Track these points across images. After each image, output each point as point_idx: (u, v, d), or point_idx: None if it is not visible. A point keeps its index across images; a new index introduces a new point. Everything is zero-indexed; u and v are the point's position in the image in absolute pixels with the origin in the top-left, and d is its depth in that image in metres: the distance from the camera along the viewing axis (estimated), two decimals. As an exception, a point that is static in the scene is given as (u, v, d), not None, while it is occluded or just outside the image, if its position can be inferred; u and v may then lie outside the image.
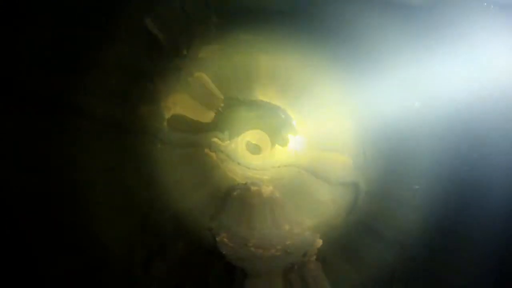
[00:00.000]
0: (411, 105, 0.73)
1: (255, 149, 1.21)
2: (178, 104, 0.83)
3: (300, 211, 0.83)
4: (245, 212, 0.86)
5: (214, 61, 0.84)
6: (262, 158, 1.14)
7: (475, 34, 0.63)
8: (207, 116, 1.02)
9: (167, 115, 0.79)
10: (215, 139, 1.12)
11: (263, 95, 1.13)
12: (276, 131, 1.19)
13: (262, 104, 1.17)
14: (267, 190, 1.01)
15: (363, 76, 0.77)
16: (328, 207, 0.79)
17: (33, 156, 0.56)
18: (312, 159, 0.98)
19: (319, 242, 0.72)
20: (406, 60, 0.71)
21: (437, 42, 0.66)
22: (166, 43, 0.66)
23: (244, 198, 0.96)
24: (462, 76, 0.67)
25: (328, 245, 0.70)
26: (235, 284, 0.65)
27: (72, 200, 0.57)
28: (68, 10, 0.56)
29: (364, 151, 0.80)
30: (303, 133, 1.14)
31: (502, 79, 0.65)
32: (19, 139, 0.55)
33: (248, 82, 1.01)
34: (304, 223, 0.78)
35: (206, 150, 1.06)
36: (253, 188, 1.03)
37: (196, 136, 0.99)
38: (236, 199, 0.95)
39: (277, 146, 1.21)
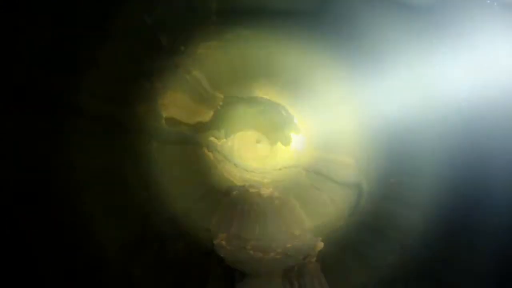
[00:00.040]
0: (414, 104, 0.79)
1: (254, 150, 1.25)
2: (176, 102, 0.90)
3: (301, 213, 0.89)
4: (243, 215, 0.92)
5: (213, 58, 0.90)
6: (261, 160, 1.19)
7: (478, 33, 0.69)
8: (205, 114, 1.07)
9: (165, 114, 0.85)
10: (212, 138, 1.17)
11: (263, 92, 1.18)
12: (277, 129, 1.23)
13: (262, 101, 1.22)
14: (266, 192, 1.06)
15: (366, 75, 0.83)
16: (331, 209, 0.86)
17: (31, 156, 0.62)
18: (314, 160, 1.04)
19: (320, 245, 0.78)
20: (409, 59, 0.77)
21: (441, 42, 0.72)
22: (165, 41, 0.72)
23: (242, 200, 1.02)
24: (465, 75, 0.73)
25: (330, 246, 0.76)
26: (234, 285, 0.71)
27: (70, 200, 0.63)
28: (67, 10, 0.61)
29: (367, 151, 0.86)
30: (305, 132, 1.19)
31: (505, 78, 0.71)
32: (17, 139, 0.61)
33: (247, 80, 1.07)
34: (305, 225, 0.84)
35: (204, 150, 1.11)
36: (252, 190, 1.09)
37: (194, 135, 1.04)
38: (234, 201, 1.00)
39: (278, 146, 1.26)
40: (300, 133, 1.19)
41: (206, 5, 0.69)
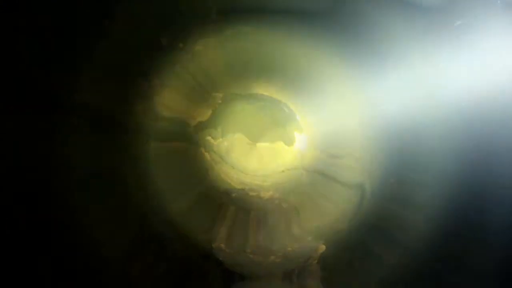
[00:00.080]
0: (419, 104, 0.86)
1: (253, 150, 1.31)
2: (173, 100, 0.97)
3: (303, 215, 0.96)
4: (242, 218, 1.00)
5: (212, 55, 0.97)
6: (262, 161, 1.25)
7: (485, 33, 0.77)
8: (203, 112, 1.14)
9: (162, 112, 0.93)
10: (209, 137, 1.24)
11: (264, 90, 1.24)
12: (279, 127, 1.30)
13: (262, 98, 1.29)
14: (266, 194, 1.14)
15: (370, 74, 0.90)
16: (333, 210, 0.93)
17: (29, 156, 0.70)
18: (316, 160, 1.11)
19: (322, 247, 0.86)
20: (415, 59, 0.84)
21: (448, 42, 0.80)
22: (164, 40, 0.79)
23: (241, 202, 1.09)
24: (472, 75, 0.80)
25: (332, 248, 0.84)
26: (234, 286, 0.79)
27: (69, 200, 0.70)
28: (66, 9, 0.69)
29: (371, 151, 0.94)
30: (308, 131, 1.26)
31: (511, 77, 0.79)
32: (15, 139, 0.68)
33: (248, 77, 1.14)
34: (306, 228, 0.92)
35: (201, 149, 1.18)
36: (251, 193, 1.16)
37: (191, 134, 1.12)
38: (232, 203, 1.08)
39: (280, 146, 1.32)
40: (303, 132, 1.25)
41: (207, 3, 0.77)
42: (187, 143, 1.10)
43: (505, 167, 0.74)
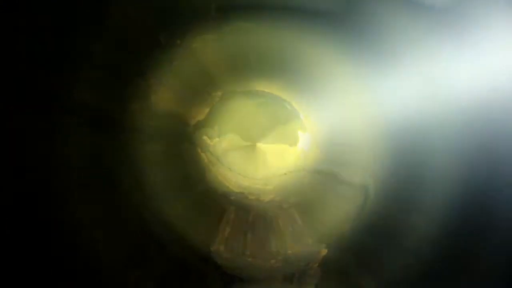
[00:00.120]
0: (425, 104, 0.95)
1: (253, 151, 1.36)
2: (171, 99, 1.05)
3: (304, 217, 1.05)
4: (241, 220, 1.08)
5: (210, 52, 1.05)
6: (262, 164, 1.29)
7: (491, 33, 0.85)
8: (201, 111, 1.22)
9: (158, 111, 1.01)
10: (205, 137, 1.31)
11: (265, 87, 1.31)
12: (281, 125, 1.36)
13: (263, 94, 1.35)
14: (266, 198, 1.21)
15: (376, 73, 0.99)
16: (336, 212, 1.01)
17: (25, 156, 0.78)
18: (320, 161, 1.19)
19: (324, 251, 0.94)
20: (422, 59, 0.92)
21: (456, 42, 0.88)
22: (162, 38, 0.88)
23: (240, 206, 1.17)
24: (478, 75, 0.88)
25: (334, 251, 0.92)
26: (233, 288, 0.88)
27: (65, 200, 0.79)
28: (65, 9, 0.77)
29: (376, 151, 1.02)
30: (311, 130, 1.32)
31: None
32: (13, 138, 0.76)
33: (248, 74, 1.21)
34: (308, 231, 1.00)
35: (198, 150, 1.26)
36: (250, 196, 1.24)
37: (188, 133, 1.19)
38: (231, 206, 1.16)
39: (281, 148, 1.38)
40: (307, 131, 1.29)
41: (207, 1, 0.85)
42: (185, 143, 1.17)
43: (510, 167, 0.82)
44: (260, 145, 1.27)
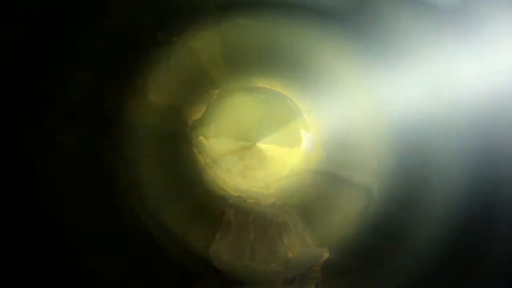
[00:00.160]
0: (432, 105, 1.04)
1: (252, 152, 1.38)
2: (167, 97, 1.15)
3: (306, 220, 1.14)
4: (241, 223, 1.17)
5: (209, 48, 1.15)
6: (262, 165, 1.33)
7: (499, 33, 0.95)
8: (198, 109, 1.31)
9: (155, 110, 1.11)
10: (201, 137, 1.39)
11: (266, 83, 1.35)
12: (282, 125, 1.43)
13: (264, 91, 1.36)
14: (267, 201, 1.30)
15: (381, 71, 1.08)
16: (339, 215, 1.11)
17: (24, 157, 0.88)
18: (323, 161, 1.27)
19: (326, 254, 1.04)
20: (428, 58, 1.02)
21: (461, 41, 0.97)
22: (160, 36, 0.98)
23: (239, 209, 1.26)
24: (485, 75, 0.98)
25: (336, 254, 1.02)
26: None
27: (65, 201, 0.89)
28: (58, 7, 0.87)
29: (381, 152, 1.11)
30: (314, 130, 1.40)
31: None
32: (15, 138, 0.87)
33: (248, 70, 1.30)
34: (309, 234, 1.10)
35: (194, 150, 1.35)
36: (249, 200, 1.33)
37: (184, 133, 1.28)
38: (230, 209, 1.25)
39: (283, 148, 1.44)
40: (310, 131, 1.35)
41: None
42: (181, 143, 1.26)
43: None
44: (260, 146, 1.33)
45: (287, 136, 1.35)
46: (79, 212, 0.90)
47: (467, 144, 0.98)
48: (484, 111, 0.97)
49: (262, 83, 1.32)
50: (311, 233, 1.11)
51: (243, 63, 1.26)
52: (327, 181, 1.19)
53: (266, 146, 1.35)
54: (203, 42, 1.12)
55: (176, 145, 1.23)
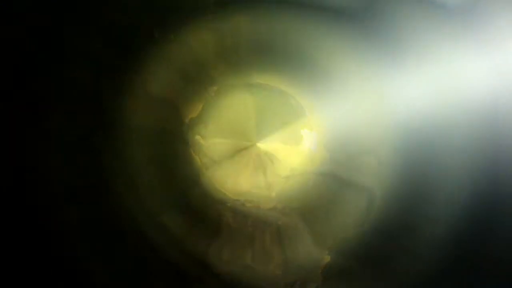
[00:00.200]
0: (439, 105, 1.15)
1: (251, 153, 1.45)
2: (163, 95, 1.26)
3: (307, 223, 1.25)
4: (240, 227, 1.28)
5: (207, 44, 1.26)
6: (262, 167, 1.40)
7: (508, 34, 1.05)
8: (195, 108, 1.41)
9: (152, 109, 1.22)
10: (198, 137, 1.48)
11: (267, 80, 1.42)
12: (284, 124, 1.43)
13: (264, 87, 1.42)
14: (267, 205, 1.39)
15: (388, 71, 1.17)
16: (341, 217, 1.21)
17: (24, 157, 1.00)
18: (326, 162, 1.35)
19: (327, 258, 1.15)
20: (436, 58, 1.11)
21: (470, 41, 1.06)
22: (157, 34, 1.09)
23: (238, 212, 1.36)
24: (494, 77, 1.07)
25: (337, 258, 1.13)
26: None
27: (66, 201, 1.01)
28: (56, 6, 0.99)
29: (385, 152, 1.22)
30: (317, 129, 1.48)
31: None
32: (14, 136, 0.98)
33: (247, 66, 1.37)
34: (311, 237, 1.21)
35: (191, 151, 1.44)
36: (249, 204, 1.38)
37: (181, 132, 1.37)
38: (228, 212, 1.35)
39: (284, 148, 1.46)
40: (313, 130, 1.41)
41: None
42: (177, 143, 1.35)
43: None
44: (260, 146, 1.40)
45: (289, 136, 1.41)
46: (78, 213, 1.02)
47: (472, 145, 1.09)
48: (491, 111, 1.07)
49: (263, 79, 1.39)
50: (312, 236, 1.22)
51: (243, 59, 1.35)
52: (330, 182, 1.29)
53: (267, 146, 1.41)
54: (202, 39, 1.23)
55: (173, 145, 1.32)
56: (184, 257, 1.14)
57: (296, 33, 1.26)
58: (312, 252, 1.19)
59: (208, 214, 1.28)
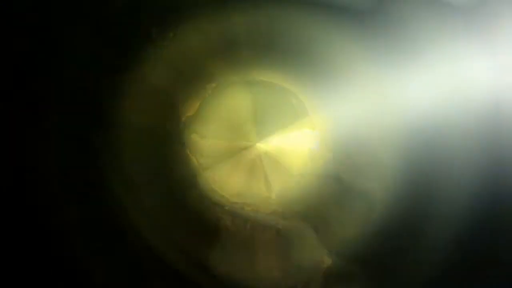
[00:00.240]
0: (445, 106, 1.25)
1: (251, 154, 1.53)
2: (160, 93, 1.37)
3: (310, 226, 1.37)
4: (239, 230, 1.39)
5: (206, 41, 1.37)
6: (262, 170, 1.48)
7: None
8: (191, 106, 1.51)
9: (149, 108, 1.34)
10: (195, 136, 1.48)
11: (267, 76, 1.51)
12: (285, 123, 1.51)
13: (264, 84, 1.52)
14: (267, 208, 1.45)
15: (393, 70, 1.26)
16: (344, 220, 1.32)
17: (24, 157, 1.12)
18: (329, 164, 1.41)
19: (328, 261, 1.27)
20: (443, 58, 1.20)
21: (479, 42, 1.15)
22: (155, 33, 1.22)
23: (237, 215, 1.46)
24: (504, 77, 1.16)
25: (339, 261, 1.25)
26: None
27: (54, 199, 1.13)
28: (54, 5, 1.11)
29: (390, 154, 1.34)
30: (321, 129, 1.53)
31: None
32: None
33: (247, 62, 1.46)
34: (312, 240, 1.33)
35: (187, 151, 1.54)
36: (248, 207, 1.47)
37: (179, 132, 1.44)
38: (227, 215, 1.46)
39: (285, 148, 1.55)
40: (315, 130, 1.49)
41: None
42: (173, 143, 1.45)
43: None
44: (260, 146, 1.47)
45: (290, 136, 1.49)
46: (78, 213, 1.15)
47: (475, 146, 1.19)
48: (495, 112, 1.18)
49: (263, 76, 1.48)
50: (313, 238, 1.33)
51: (242, 55, 1.45)
52: (332, 184, 1.39)
53: (267, 146, 1.47)
54: (201, 35, 1.34)
55: (169, 145, 1.43)
56: (183, 258, 1.26)
57: (299, 30, 1.37)
58: (313, 254, 1.30)
59: (205, 217, 1.39)
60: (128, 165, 1.29)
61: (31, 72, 1.12)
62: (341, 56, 1.39)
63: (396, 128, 1.31)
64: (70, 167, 1.18)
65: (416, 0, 1.22)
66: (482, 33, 1.17)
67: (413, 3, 1.22)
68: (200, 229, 1.36)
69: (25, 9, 1.09)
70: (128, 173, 1.28)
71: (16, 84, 1.11)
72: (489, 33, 1.17)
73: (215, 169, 1.46)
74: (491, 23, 1.16)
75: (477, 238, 1.16)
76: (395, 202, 1.28)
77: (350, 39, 1.33)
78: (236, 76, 1.48)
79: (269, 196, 1.45)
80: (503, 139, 1.18)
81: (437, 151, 1.24)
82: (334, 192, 1.40)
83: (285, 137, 1.51)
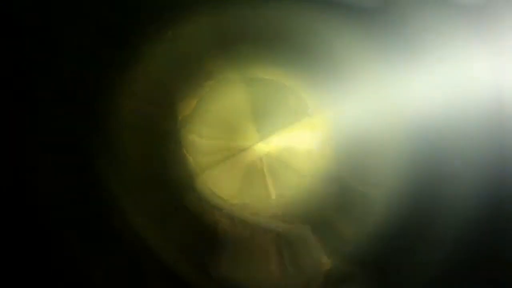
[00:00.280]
0: (451, 106, 1.36)
1: (250, 154, 1.59)
2: (158, 92, 1.49)
3: (311, 230, 1.47)
4: (239, 233, 1.50)
5: (204, 37, 1.48)
6: (262, 171, 1.56)
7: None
8: (188, 104, 1.56)
9: (146, 107, 1.46)
10: (192, 135, 1.56)
11: (268, 73, 1.60)
12: (285, 123, 1.60)
13: (265, 82, 1.61)
14: (267, 212, 1.54)
15: (399, 70, 1.37)
16: (347, 223, 1.43)
17: (24, 157, 1.25)
18: (331, 165, 1.53)
19: (329, 265, 1.39)
20: (450, 58, 1.31)
21: (485, 42, 1.26)
22: (151, 27, 1.34)
23: (236, 219, 1.52)
24: (507, 79, 1.27)
25: (341, 264, 1.36)
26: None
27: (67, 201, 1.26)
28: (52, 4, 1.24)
29: (394, 155, 1.45)
30: (323, 129, 1.60)
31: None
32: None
33: (247, 58, 1.56)
34: (313, 243, 1.45)
35: (184, 151, 1.57)
36: (247, 210, 1.55)
37: (173, 131, 1.53)
38: (225, 219, 1.57)
39: (285, 149, 1.62)
40: (317, 130, 1.56)
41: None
42: (170, 143, 1.55)
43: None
44: (261, 146, 1.55)
45: (292, 136, 1.57)
46: (78, 213, 1.27)
47: (480, 147, 1.31)
48: (501, 113, 1.29)
49: (264, 73, 1.57)
50: (315, 243, 1.44)
51: (242, 52, 1.55)
52: (335, 186, 1.51)
53: (267, 147, 1.54)
54: (199, 32, 1.45)
55: (165, 145, 1.54)
56: (182, 260, 1.38)
57: (301, 26, 1.47)
58: (314, 257, 1.42)
59: (204, 220, 1.50)
60: (125, 165, 1.41)
61: (30, 72, 1.24)
62: (344, 55, 1.49)
63: (399, 128, 1.42)
64: (74, 167, 1.31)
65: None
66: (487, 33, 1.28)
67: (418, 2, 1.34)
68: (199, 231, 1.48)
69: (28, 9, 1.21)
70: (126, 173, 1.40)
71: (16, 84, 1.23)
72: (494, 33, 1.28)
73: (213, 170, 1.53)
74: (496, 23, 1.27)
75: (480, 239, 1.28)
76: (397, 203, 1.40)
77: (354, 37, 1.44)
78: (235, 73, 1.56)
79: (269, 198, 1.52)
80: (507, 139, 1.30)
81: (440, 152, 1.36)
82: (336, 194, 1.51)
83: (286, 137, 1.57)
